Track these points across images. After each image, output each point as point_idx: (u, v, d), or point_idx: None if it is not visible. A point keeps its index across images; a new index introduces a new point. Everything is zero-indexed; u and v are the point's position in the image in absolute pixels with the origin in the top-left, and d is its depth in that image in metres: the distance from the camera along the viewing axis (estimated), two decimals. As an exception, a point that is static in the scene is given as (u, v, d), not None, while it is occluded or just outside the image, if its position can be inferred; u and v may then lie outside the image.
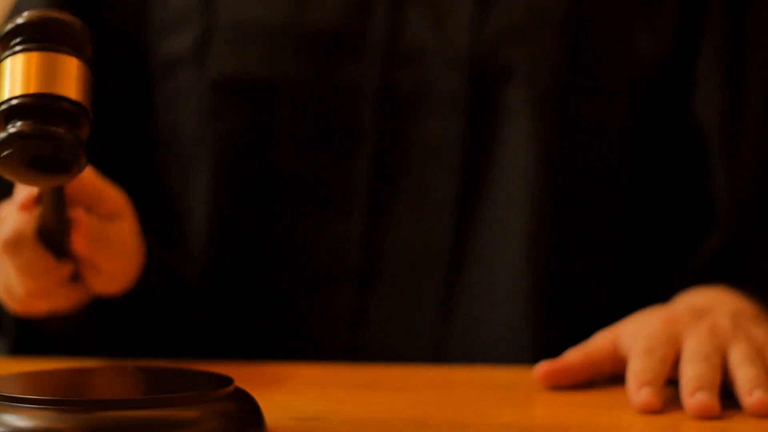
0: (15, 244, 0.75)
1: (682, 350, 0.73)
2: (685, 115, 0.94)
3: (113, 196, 0.79)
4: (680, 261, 0.92)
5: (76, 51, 0.59)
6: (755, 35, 0.94)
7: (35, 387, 0.61)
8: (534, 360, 0.79)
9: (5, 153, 0.57)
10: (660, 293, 0.89)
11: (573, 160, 0.92)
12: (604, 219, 0.94)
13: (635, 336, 0.76)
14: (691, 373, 0.70)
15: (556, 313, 0.91)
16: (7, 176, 0.59)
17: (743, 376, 0.70)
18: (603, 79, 0.92)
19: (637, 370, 0.72)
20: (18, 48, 0.58)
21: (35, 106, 0.57)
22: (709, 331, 0.74)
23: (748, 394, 0.69)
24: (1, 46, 0.59)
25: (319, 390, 0.79)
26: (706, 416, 0.68)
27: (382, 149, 0.92)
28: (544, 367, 0.76)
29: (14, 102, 0.57)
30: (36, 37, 0.58)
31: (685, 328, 0.75)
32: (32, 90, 0.57)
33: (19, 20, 0.58)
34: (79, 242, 0.75)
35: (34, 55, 0.58)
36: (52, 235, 0.75)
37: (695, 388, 0.69)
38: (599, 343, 0.78)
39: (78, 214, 0.75)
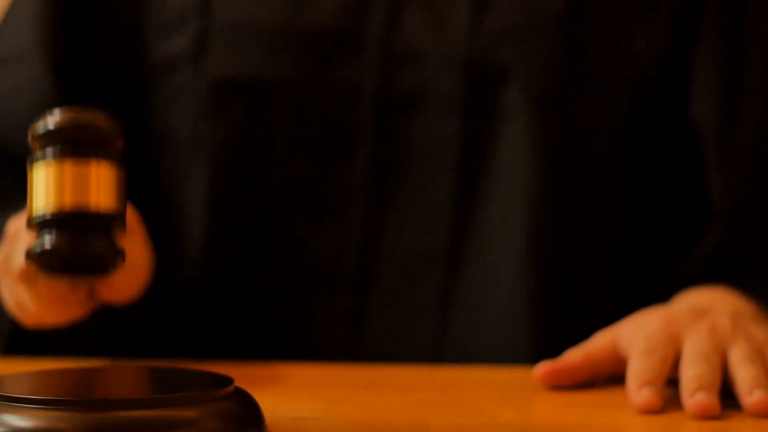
0: (30, 275, 0.75)
1: (682, 350, 0.73)
2: (682, 115, 0.94)
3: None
4: (679, 260, 0.92)
5: (108, 154, 0.59)
6: (752, 35, 0.94)
7: (35, 387, 0.61)
8: (534, 360, 0.79)
9: (41, 264, 0.58)
10: (659, 293, 0.89)
11: (571, 160, 0.92)
12: (603, 218, 0.94)
13: (635, 336, 0.76)
14: (691, 373, 0.70)
15: (555, 313, 0.91)
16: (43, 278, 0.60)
17: (743, 376, 0.70)
18: (600, 79, 0.92)
19: (637, 370, 0.72)
20: (50, 156, 0.58)
21: (70, 222, 0.58)
22: (709, 331, 0.74)
23: (748, 394, 0.69)
24: (33, 145, 0.59)
25: (319, 390, 0.78)
26: (706, 416, 0.68)
27: (380, 149, 0.92)
28: (544, 367, 0.76)
29: (49, 217, 0.58)
30: (68, 143, 0.58)
31: (685, 328, 0.75)
32: (67, 202, 0.58)
33: (51, 125, 0.58)
34: None
35: (68, 166, 0.58)
36: None
37: (695, 388, 0.69)
38: (599, 343, 0.78)
39: None
